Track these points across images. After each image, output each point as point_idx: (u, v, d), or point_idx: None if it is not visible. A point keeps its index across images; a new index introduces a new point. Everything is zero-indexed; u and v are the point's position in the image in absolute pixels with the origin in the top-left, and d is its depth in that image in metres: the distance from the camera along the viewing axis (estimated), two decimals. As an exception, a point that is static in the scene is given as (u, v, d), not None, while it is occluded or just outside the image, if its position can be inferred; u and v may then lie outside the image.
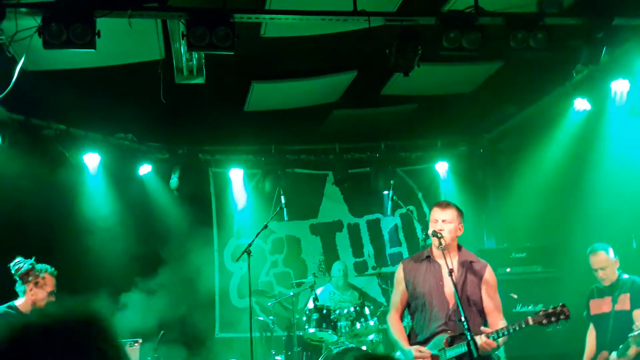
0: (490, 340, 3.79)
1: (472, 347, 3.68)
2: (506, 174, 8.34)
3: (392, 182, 8.12)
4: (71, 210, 7.41)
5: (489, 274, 4.14)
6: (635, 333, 5.01)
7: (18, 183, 6.51)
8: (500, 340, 3.84)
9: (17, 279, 4.69)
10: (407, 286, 4.23)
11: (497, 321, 4.03)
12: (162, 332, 6.82)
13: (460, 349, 3.88)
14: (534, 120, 7.60)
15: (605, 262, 5.43)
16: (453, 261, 4.08)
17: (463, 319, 3.71)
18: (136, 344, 6.03)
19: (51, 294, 4.76)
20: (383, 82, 7.05)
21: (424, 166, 9.31)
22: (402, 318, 4.35)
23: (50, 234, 7.10)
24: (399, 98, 7.52)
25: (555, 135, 7.23)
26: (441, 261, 4.08)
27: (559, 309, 3.79)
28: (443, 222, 4.09)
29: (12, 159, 6.52)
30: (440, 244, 3.99)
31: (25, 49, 4.87)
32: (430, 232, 4.10)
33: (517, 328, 3.80)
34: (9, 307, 4.67)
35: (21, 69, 5.01)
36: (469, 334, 3.68)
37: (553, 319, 3.77)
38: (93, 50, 4.67)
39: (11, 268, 4.70)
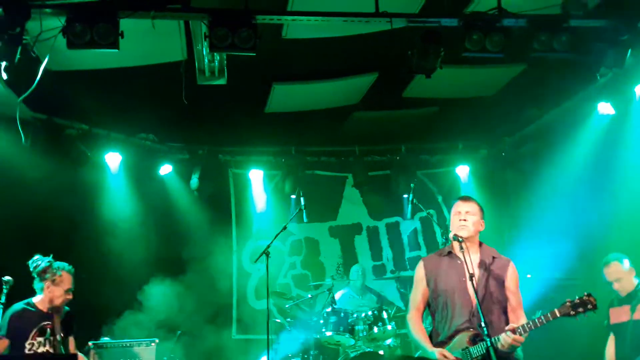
0: (518, 336, 3.71)
1: (492, 352, 3.62)
2: (528, 178, 8.23)
3: (412, 185, 8.07)
4: (93, 210, 7.50)
5: (511, 271, 4.07)
6: None
7: (40, 182, 6.61)
8: (526, 335, 3.76)
9: (35, 276, 4.80)
10: (428, 284, 4.16)
11: (519, 318, 3.95)
12: (179, 332, 6.85)
13: (483, 346, 3.79)
14: (557, 124, 7.50)
15: (619, 273, 5.37)
16: (473, 258, 4.01)
17: (483, 324, 3.65)
18: (152, 344, 6.07)
19: (68, 292, 4.83)
20: (404, 84, 7.02)
21: (444, 169, 9.25)
22: (422, 318, 4.27)
23: (72, 233, 7.19)
24: (420, 101, 7.48)
25: (578, 140, 7.13)
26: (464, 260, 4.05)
27: (585, 298, 3.71)
28: (467, 213, 4.05)
29: (35, 158, 6.62)
30: (461, 247, 3.93)
31: (49, 49, 4.93)
32: (451, 235, 4.04)
33: (545, 321, 3.72)
34: (27, 304, 4.77)
35: (45, 69, 5.07)
36: (488, 340, 3.63)
37: (580, 309, 3.69)
38: (116, 50, 4.72)
39: (29, 265, 4.80)
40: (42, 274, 4.76)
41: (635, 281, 5.37)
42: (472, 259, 3.96)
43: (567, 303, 3.73)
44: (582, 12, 5.08)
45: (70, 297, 4.85)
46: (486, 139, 8.90)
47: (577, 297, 3.73)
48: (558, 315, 3.72)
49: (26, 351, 4.65)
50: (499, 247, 4.30)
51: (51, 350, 4.72)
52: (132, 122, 7.65)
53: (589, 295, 3.72)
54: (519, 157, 8.47)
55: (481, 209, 4.15)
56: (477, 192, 8.99)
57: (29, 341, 4.67)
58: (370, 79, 6.94)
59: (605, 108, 6.64)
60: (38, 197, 6.68)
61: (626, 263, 5.35)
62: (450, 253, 4.14)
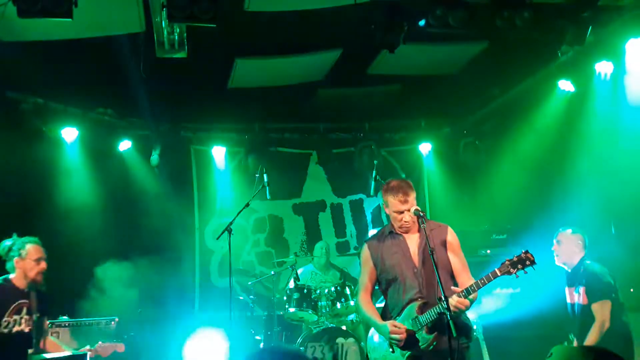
0: (462, 299, 3.77)
1: (452, 326, 3.66)
2: (489, 156, 8.35)
3: (375, 162, 8.10)
4: (49, 187, 7.27)
5: (451, 236, 4.15)
6: None
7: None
8: (471, 297, 3.82)
9: (4, 259, 4.79)
10: (375, 264, 4.21)
11: (466, 281, 4.00)
12: (139, 310, 6.77)
13: (433, 313, 3.87)
14: (518, 102, 7.59)
15: (565, 238, 5.26)
16: (414, 236, 4.12)
17: (443, 297, 3.70)
18: (113, 322, 5.99)
19: (39, 261, 4.78)
20: (369, 61, 6.98)
21: (407, 147, 9.31)
22: (371, 297, 4.31)
23: (28, 212, 6.97)
24: (384, 78, 7.47)
25: (539, 117, 7.23)
26: (406, 235, 4.13)
27: (522, 255, 3.78)
28: (407, 212, 4.05)
29: (-13, 133, 6.38)
30: (422, 222, 3.96)
31: (-1, 17, 4.73)
32: (404, 217, 4.06)
33: (486, 281, 3.79)
34: (5, 279, 4.74)
35: (-4, 39, 4.87)
36: (448, 313, 3.66)
37: (519, 266, 3.75)
38: (70, 20, 4.54)
39: None
40: (8, 252, 4.77)
41: (578, 257, 5.24)
42: (414, 237, 4.11)
43: (506, 262, 3.79)
44: (544, -12, 5.12)
45: (44, 265, 4.81)
46: (449, 117, 8.98)
47: (514, 255, 3.79)
48: (499, 274, 3.78)
49: (2, 329, 4.58)
50: (458, 224, 4.34)
51: (26, 330, 4.68)
52: (89, 96, 7.41)
53: (526, 252, 3.78)
54: (481, 134, 8.58)
55: (414, 193, 4.13)
56: (439, 170, 9.10)
57: (5, 319, 4.61)
58: (335, 55, 6.88)
59: (566, 85, 6.74)
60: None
61: (578, 236, 5.25)
62: (391, 232, 4.20)
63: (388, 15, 4.97)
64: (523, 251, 3.80)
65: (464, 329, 3.99)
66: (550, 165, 7.21)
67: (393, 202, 4.09)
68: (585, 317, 5.10)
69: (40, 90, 7.07)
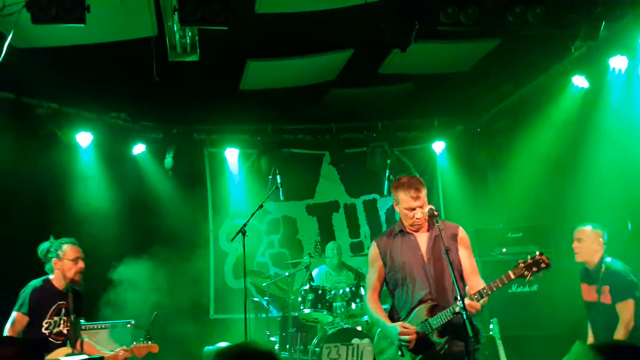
0: (474, 302, 3.67)
1: (468, 325, 3.57)
2: (503, 153, 8.28)
3: (388, 161, 8.08)
4: (64, 190, 7.34)
5: (462, 235, 4.06)
6: None
7: (9, 163, 6.45)
8: (482, 301, 3.72)
9: (43, 260, 4.85)
10: (384, 262, 4.11)
11: (476, 283, 3.91)
12: (155, 312, 6.80)
13: (443, 316, 3.78)
14: (532, 99, 7.52)
15: (585, 235, 5.18)
16: (425, 235, 4.04)
17: (459, 296, 3.61)
18: (128, 325, 6.03)
19: (76, 260, 4.85)
20: (380, 60, 6.96)
21: (421, 146, 9.26)
22: (380, 297, 4.21)
23: (43, 215, 7.04)
24: (396, 77, 7.44)
25: (553, 114, 7.15)
26: (417, 234, 4.05)
27: (537, 257, 3.68)
28: (420, 208, 3.98)
29: (3, 139, 6.45)
30: (436, 222, 3.92)
31: (13, 24, 4.77)
32: (416, 214, 3.99)
33: (500, 284, 3.69)
34: (44, 281, 4.79)
35: (10, 46, 4.92)
36: (465, 312, 3.57)
37: (534, 269, 3.67)
38: (83, 25, 4.58)
39: (39, 254, 4.84)
40: (47, 254, 4.83)
41: (598, 255, 5.16)
42: (424, 236, 4.03)
43: (520, 264, 3.70)
44: (556, -16, 5.07)
45: (82, 265, 4.88)
46: (462, 115, 8.92)
47: (529, 257, 3.70)
48: (512, 277, 3.69)
49: (43, 330, 4.63)
50: (473, 222, 4.29)
51: (64, 331, 4.73)
52: (103, 101, 7.49)
53: (541, 254, 3.70)
54: (494, 132, 8.51)
55: (426, 189, 4.08)
56: (453, 168, 9.05)
57: (46, 320, 4.65)
58: (346, 55, 6.87)
59: (579, 81, 6.66)
60: (7, 178, 6.52)
61: (599, 233, 5.18)
62: (402, 231, 4.12)
63: (399, 14, 4.95)
64: (537, 253, 3.70)
65: (475, 331, 3.92)
66: (565, 162, 7.14)
67: (404, 199, 4.00)
68: (609, 317, 5.01)
69: (54, 95, 7.14)
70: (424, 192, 4.02)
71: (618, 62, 6.13)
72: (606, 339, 4.98)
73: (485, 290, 3.71)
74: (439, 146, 9.03)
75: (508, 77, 7.54)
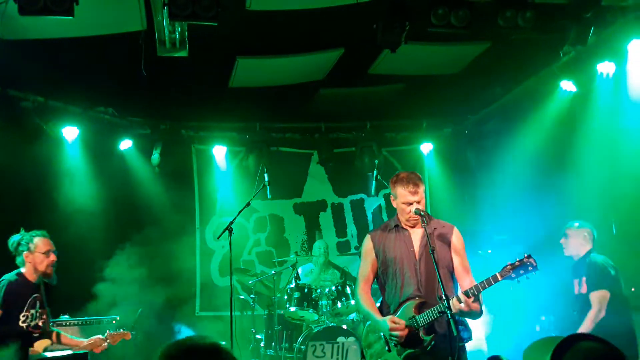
0: (466, 299, 3.69)
1: (452, 324, 3.60)
2: (491, 155, 8.33)
3: (376, 162, 8.09)
4: (49, 185, 7.27)
5: (456, 236, 4.08)
6: None
7: (-6, 155, 6.37)
8: (474, 305, 3.73)
9: (14, 253, 4.78)
10: (377, 255, 4.14)
11: (468, 284, 3.93)
12: (140, 309, 6.76)
13: (430, 314, 3.81)
14: (520, 102, 7.58)
15: (572, 232, 5.40)
16: (419, 232, 4.05)
17: (444, 295, 3.63)
18: (113, 322, 5.99)
19: (48, 253, 4.78)
20: (370, 61, 6.96)
21: (409, 147, 9.30)
22: (371, 290, 4.25)
23: (28, 208, 6.97)
24: (386, 77, 7.45)
25: (540, 118, 7.21)
26: (411, 230, 4.07)
27: (525, 259, 3.70)
28: (417, 203, 4.00)
29: (-11, 131, 6.37)
30: (423, 221, 3.93)
31: (0, 16, 4.71)
32: (412, 209, 4.02)
33: (487, 285, 3.71)
34: (18, 274, 4.72)
35: (-3, 37, 4.86)
36: (449, 312, 3.60)
37: (521, 271, 3.69)
38: (71, 18, 4.53)
39: (9, 247, 4.78)
40: (17, 247, 4.77)
41: (584, 249, 5.37)
42: (418, 232, 4.03)
43: (508, 266, 3.72)
44: (547, -12, 5.11)
45: (53, 258, 4.82)
46: (450, 117, 8.96)
47: (517, 259, 3.72)
48: (499, 278, 3.71)
49: (21, 324, 4.58)
50: (460, 223, 4.30)
51: (41, 324, 4.69)
52: (90, 95, 7.41)
53: (529, 256, 3.71)
54: (482, 135, 8.56)
55: (424, 185, 4.11)
56: (440, 170, 9.08)
57: (23, 313, 4.60)
58: (336, 55, 6.86)
59: (567, 85, 6.72)
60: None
61: (587, 230, 5.39)
62: (397, 226, 4.14)
63: (390, 14, 4.95)
64: (525, 255, 3.72)
65: (462, 328, 3.93)
66: (551, 165, 7.20)
67: (402, 193, 4.02)
68: (583, 306, 5.18)
69: (41, 88, 7.06)
70: (422, 188, 4.05)
71: (606, 68, 6.19)
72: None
73: (472, 290, 3.73)
74: (427, 147, 9.07)
75: (497, 80, 7.58)
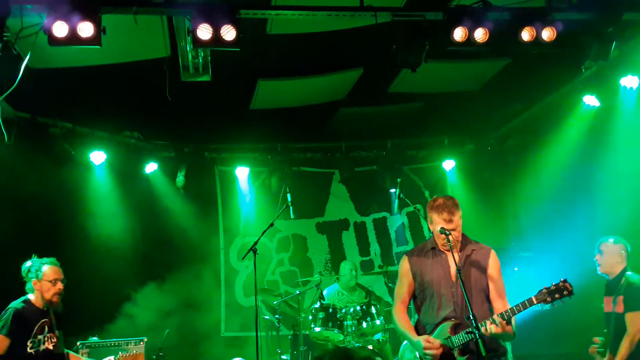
0: (495, 324, 3.71)
1: (481, 344, 3.64)
2: (514, 172, 8.28)
3: (398, 180, 8.08)
4: (77, 209, 7.40)
5: (492, 260, 4.08)
6: None
7: (24, 181, 6.52)
8: (505, 323, 3.74)
9: (25, 280, 4.83)
10: (414, 277, 4.17)
11: (501, 307, 3.95)
12: (167, 330, 6.80)
13: (466, 336, 3.83)
14: (542, 118, 7.53)
15: (608, 247, 5.26)
16: (455, 256, 4.02)
17: (472, 316, 3.69)
18: (141, 343, 6.03)
19: (56, 282, 4.80)
20: (390, 79, 7.02)
21: (430, 164, 9.27)
22: (407, 310, 4.28)
23: (56, 233, 7.09)
24: (405, 96, 7.49)
25: (564, 133, 7.16)
26: (448, 253, 4.07)
27: (560, 284, 3.70)
28: (454, 230, 4.00)
29: (19, 157, 6.52)
30: (448, 241, 3.94)
31: (30, 46, 4.86)
32: (438, 228, 4.03)
33: (522, 308, 3.72)
34: (24, 301, 4.75)
35: (27, 66, 5.00)
36: (477, 332, 3.65)
37: (557, 295, 3.69)
38: (99, 47, 4.66)
39: (22, 273, 4.82)
40: (27, 273, 4.80)
41: (620, 267, 5.26)
42: (456, 256, 3.99)
43: (544, 290, 3.72)
44: (567, 4, 5.11)
45: (60, 287, 4.83)
46: (472, 134, 8.94)
47: (552, 284, 3.72)
48: (535, 302, 3.71)
49: (28, 350, 4.62)
50: (485, 241, 4.29)
51: (50, 347, 4.72)
52: (116, 120, 7.57)
53: (564, 281, 3.71)
54: (504, 151, 8.51)
55: (460, 211, 4.12)
56: (463, 187, 9.03)
57: (31, 339, 4.65)
58: (356, 75, 6.93)
59: (590, 100, 6.67)
60: (21, 196, 6.59)
61: (622, 247, 5.27)
62: (434, 249, 4.16)
63: (409, 34, 5.00)
64: (561, 280, 3.72)
65: (496, 350, 3.92)
66: (576, 180, 7.12)
67: (437, 221, 4.04)
68: (619, 326, 5.08)
69: (68, 114, 7.24)
70: (457, 215, 4.06)
71: (629, 82, 6.15)
72: (613, 350, 5.05)
73: (507, 313, 3.75)
74: (449, 164, 9.03)
75: (518, 96, 7.56)
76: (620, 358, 4.97)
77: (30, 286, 4.79)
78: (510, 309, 3.76)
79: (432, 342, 3.90)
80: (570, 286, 3.70)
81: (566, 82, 6.87)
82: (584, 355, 5.76)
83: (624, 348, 4.96)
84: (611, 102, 6.43)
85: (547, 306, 3.74)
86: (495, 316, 3.77)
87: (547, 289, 3.72)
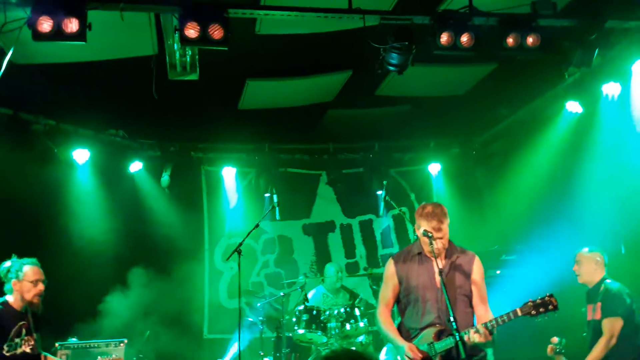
0: (480, 333, 3.77)
1: (461, 347, 3.70)
2: (498, 176, 8.34)
3: (385, 182, 8.11)
4: (60, 208, 7.33)
5: (476, 266, 4.14)
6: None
7: (5, 178, 6.45)
8: (489, 333, 3.79)
9: (3, 280, 4.73)
10: (400, 281, 4.19)
11: (483, 313, 4.02)
12: (147, 332, 6.75)
13: (449, 342, 3.88)
14: (526, 123, 7.61)
15: (583, 257, 5.36)
16: (442, 260, 4.08)
17: (452, 319, 3.73)
18: (121, 344, 5.98)
19: (36, 283, 4.71)
20: (377, 82, 7.04)
21: (417, 167, 9.31)
22: (391, 313, 4.30)
23: (38, 231, 7.02)
24: (393, 99, 7.52)
25: (547, 138, 7.24)
26: (434, 259, 4.09)
27: (547, 299, 3.76)
28: (441, 239, 4.04)
29: (0, 155, 6.45)
30: (431, 243, 3.96)
31: (14, 41, 4.81)
32: (421, 231, 4.05)
33: (506, 319, 3.78)
34: (2, 304, 4.66)
35: (10, 62, 4.96)
36: (457, 334, 3.71)
37: (541, 309, 3.75)
38: (84, 43, 4.62)
39: None
40: (6, 274, 4.71)
41: (598, 275, 5.33)
42: (441, 257, 4.06)
43: (530, 303, 3.78)
44: (551, 11, 5.17)
45: (41, 287, 4.74)
46: (457, 138, 8.99)
47: (538, 298, 3.78)
48: (520, 314, 3.78)
49: (4, 352, 4.54)
50: (468, 244, 4.34)
51: (28, 350, 4.62)
52: (101, 118, 7.50)
53: (550, 295, 3.77)
54: (489, 155, 8.59)
55: (448, 219, 4.14)
56: (448, 190, 9.08)
57: (7, 343, 4.56)
58: (344, 77, 6.95)
59: (573, 106, 6.75)
60: (3, 194, 6.51)
61: (598, 255, 5.35)
62: (420, 254, 4.18)
63: (397, 37, 5.02)
64: (547, 295, 3.78)
65: (476, 354, 3.97)
66: (558, 186, 7.20)
67: (426, 228, 4.05)
68: (596, 332, 5.16)
69: (52, 111, 7.16)
70: (446, 224, 4.08)
71: (611, 89, 6.23)
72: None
73: (492, 323, 3.80)
74: (434, 168, 9.08)
75: (503, 101, 7.63)
76: (593, 357, 5.04)
77: (9, 287, 4.68)
78: (495, 319, 3.81)
79: (414, 351, 3.93)
80: (556, 301, 3.76)
81: (550, 88, 6.95)
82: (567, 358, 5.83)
83: (597, 350, 5.05)
84: (593, 108, 6.51)
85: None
86: (479, 325, 3.82)
87: (532, 302, 3.77)
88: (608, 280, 5.29)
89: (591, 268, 5.34)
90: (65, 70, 6.12)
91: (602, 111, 6.42)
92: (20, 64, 5.69)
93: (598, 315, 5.17)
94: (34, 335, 4.71)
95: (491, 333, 3.80)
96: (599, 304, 5.19)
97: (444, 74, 6.78)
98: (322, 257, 8.99)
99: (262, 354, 7.34)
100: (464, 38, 4.98)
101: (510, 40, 5.06)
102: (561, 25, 5.27)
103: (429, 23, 5.06)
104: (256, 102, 7.39)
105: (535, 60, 5.58)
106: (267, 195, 8.42)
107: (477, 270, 4.12)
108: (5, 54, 4.90)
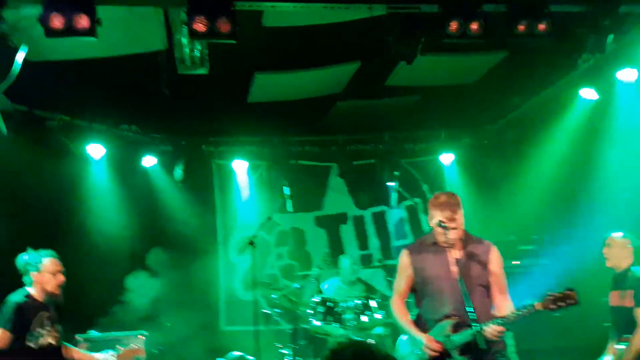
0: (498, 326, 3.73)
1: (479, 338, 3.67)
2: (512, 165, 8.27)
3: (396, 173, 8.07)
4: (75, 202, 7.41)
5: (494, 255, 4.06)
6: None
7: (22, 174, 6.53)
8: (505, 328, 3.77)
9: (22, 272, 4.75)
10: (414, 272, 4.13)
11: (503, 302, 3.96)
12: (167, 324, 6.82)
13: (466, 335, 3.82)
14: (539, 111, 7.53)
15: (615, 241, 5.31)
16: (456, 253, 4.03)
17: (470, 310, 3.71)
18: (140, 337, 6.04)
19: (57, 274, 4.74)
20: (387, 73, 7.00)
21: (428, 158, 9.26)
22: (405, 304, 4.25)
23: (54, 225, 7.10)
24: (402, 89, 7.47)
25: (561, 126, 7.17)
26: (449, 249, 4.05)
27: (567, 292, 3.68)
28: (455, 229, 3.99)
29: (16, 150, 6.51)
30: (445, 234, 3.94)
31: (27, 38, 4.86)
32: (435, 222, 4.02)
33: (527, 314, 3.72)
34: (26, 295, 4.69)
35: (25, 59, 5.00)
36: (475, 325, 3.67)
37: (560, 303, 3.67)
38: (95, 39, 4.65)
39: (17, 266, 4.75)
40: (26, 267, 4.73)
41: (627, 261, 5.30)
42: (457, 253, 4.00)
43: (549, 296, 3.70)
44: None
45: (62, 278, 4.77)
46: (469, 127, 8.93)
47: (558, 291, 3.71)
48: (540, 308, 3.71)
49: (29, 344, 4.57)
50: (484, 235, 4.28)
51: (52, 342, 4.68)
52: (114, 113, 7.56)
53: (571, 289, 3.70)
54: (502, 144, 8.50)
55: (462, 209, 4.09)
56: (461, 180, 9.03)
57: (30, 333, 4.60)
58: (353, 68, 6.92)
59: (588, 93, 6.66)
60: (19, 189, 6.60)
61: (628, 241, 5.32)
62: (435, 244, 4.11)
63: (404, 26, 4.99)
64: (568, 289, 3.70)
65: (496, 345, 3.91)
66: (575, 173, 7.12)
67: (440, 218, 4.01)
68: (629, 320, 5.10)
69: (66, 107, 7.23)
70: (460, 213, 4.02)
71: (626, 75, 6.14)
72: (624, 343, 5.08)
73: (509, 317, 3.76)
74: (447, 158, 9.03)
75: (515, 90, 7.55)
76: (634, 350, 4.99)
77: (29, 279, 4.71)
78: (513, 313, 3.76)
79: (432, 342, 3.89)
80: (576, 295, 3.67)
81: (563, 74, 6.85)
82: (588, 348, 5.79)
83: (636, 339, 4.99)
84: (608, 94, 6.42)
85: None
86: (497, 320, 3.77)
87: (552, 295, 3.69)
88: (635, 267, 5.25)
89: (622, 253, 5.30)
90: (78, 66, 6.15)
91: (618, 97, 6.33)
92: (34, 61, 5.74)
93: (627, 303, 5.12)
94: (56, 326, 4.77)
95: (500, 324, 3.75)
96: (630, 291, 5.12)
97: (454, 63, 6.71)
98: (335, 249, 9.00)
99: (281, 346, 7.36)
100: (474, 26, 4.91)
101: (520, 27, 4.98)
102: (574, 11, 5.18)
103: (437, 11, 5.00)
104: (265, 95, 7.40)
105: (547, 47, 5.50)
106: (279, 188, 8.44)
107: (494, 260, 4.05)
108: (17, 52, 4.94)
